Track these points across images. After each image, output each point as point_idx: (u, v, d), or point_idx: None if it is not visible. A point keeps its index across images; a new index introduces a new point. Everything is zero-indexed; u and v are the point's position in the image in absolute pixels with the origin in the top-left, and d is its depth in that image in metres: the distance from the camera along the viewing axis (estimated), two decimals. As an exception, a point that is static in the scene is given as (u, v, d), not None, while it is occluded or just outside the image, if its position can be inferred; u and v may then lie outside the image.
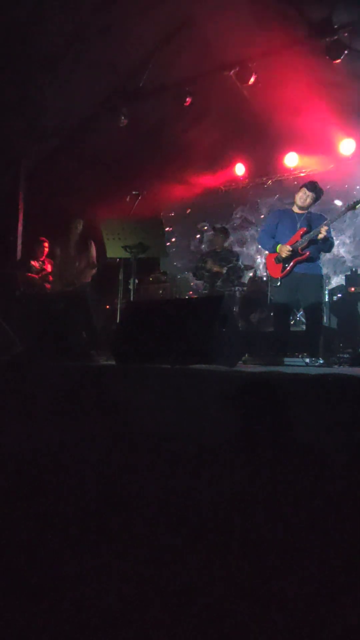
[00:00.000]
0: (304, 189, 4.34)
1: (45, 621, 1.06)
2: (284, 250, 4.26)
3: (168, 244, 8.42)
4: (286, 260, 4.27)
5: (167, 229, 8.02)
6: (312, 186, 4.35)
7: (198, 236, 9.14)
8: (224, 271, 5.98)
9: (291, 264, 4.26)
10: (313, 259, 4.28)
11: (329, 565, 1.22)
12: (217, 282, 6.01)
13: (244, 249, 8.64)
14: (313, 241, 4.20)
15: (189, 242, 9.34)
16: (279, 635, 1.01)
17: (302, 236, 4.24)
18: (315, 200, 4.37)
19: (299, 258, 4.24)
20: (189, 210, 9.11)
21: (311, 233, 4.17)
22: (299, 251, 4.23)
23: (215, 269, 6.00)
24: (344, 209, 4.31)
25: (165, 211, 8.71)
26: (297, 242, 4.25)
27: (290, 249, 4.24)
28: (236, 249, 7.69)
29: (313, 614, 1.06)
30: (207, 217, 8.93)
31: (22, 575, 1.23)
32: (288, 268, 4.27)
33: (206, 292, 6.13)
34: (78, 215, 5.88)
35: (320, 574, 1.19)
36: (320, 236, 4.11)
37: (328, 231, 4.16)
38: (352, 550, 1.28)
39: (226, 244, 6.35)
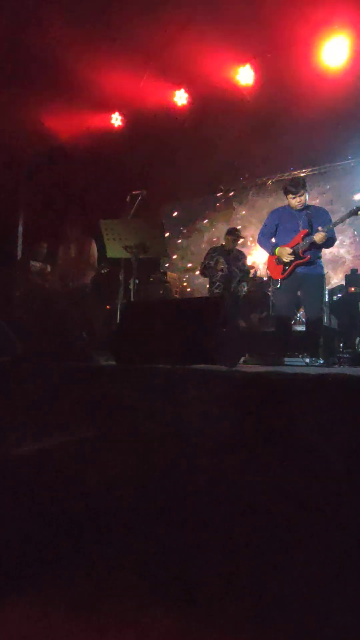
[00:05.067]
0: (290, 195, 4.25)
1: (46, 620, 1.07)
2: (285, 253, 4.23)
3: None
4: (287, 262, 4.26)
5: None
6: (296, 188, 4.21)
7: None
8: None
9: (292, 266, 4.25)
10: (313, 262, 4.26)
11: (329, 565, 1.22)
12: (232, 283, 5.79)
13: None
14: (314, 244, 4.18)
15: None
16: (279, 634, 1.01)
17: (303, 238, 4.21)
18: (305, 185, 4.26)
19: (300, 261, 4.22)
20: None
21: (312, 236, 4.15)
22: (300, 254, 4.21)
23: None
24: (346, 213, 4.26)
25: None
26: (297, 244, 4.22)
27: (291, 251, 4.21)
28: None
29: (314, 613, 1.06)
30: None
31: (23, 574, 1.23)
32: (288, 270, 4.26)
33: (218, 291, 5.73)
34: (76, 217, 5.86)
35: (320, 574, 1.19)
36: (319, 241, 4.08)
37: (331, 230, 4.14)
38: (353, 550, 1.28)
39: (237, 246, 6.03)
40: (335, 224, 4.20)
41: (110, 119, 7.13)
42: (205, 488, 1.63)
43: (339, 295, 6.52)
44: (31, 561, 1.29)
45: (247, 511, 1.47)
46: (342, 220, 4.26)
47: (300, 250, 4.19)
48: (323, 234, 4.04)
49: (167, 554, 1.30)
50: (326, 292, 6.33)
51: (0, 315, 3.93)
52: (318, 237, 4.06)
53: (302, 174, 7.88)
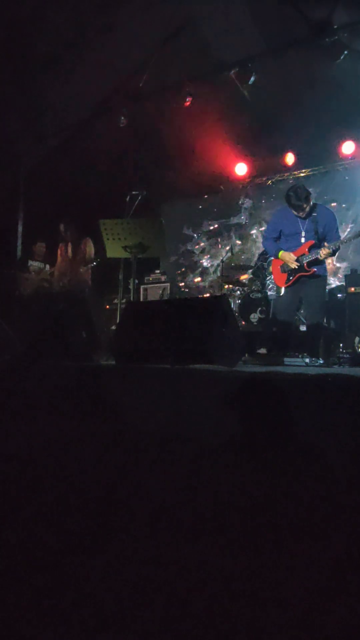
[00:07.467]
0: (293, 210, 4.19)
1: (45, 621, 1.06)
2: (288, 259, 4.19)
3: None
4: (291, 272, 4.23)
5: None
6: (298, 204, 4.12)
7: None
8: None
9: (296, 276, 4.22)
10: (318, 275, 4.25)
11: (329, 565, 1.22)
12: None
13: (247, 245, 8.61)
14: (318, 260, 4.17)
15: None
16: (278, 635, 1.01)
17: (309, 250, 4.17)
18: (309, 198, 4.20)
19: (304, 273, 4.20)
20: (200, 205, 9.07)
21: (318, 250, 4.10)
22: (305, 267, 4.18)
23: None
24: (351, 235, 4.27)
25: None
26: (303, 255, 4.18)
27: (295, 259, 4.18)
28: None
29: (312, 614, 1.06)
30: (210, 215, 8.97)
31: (22, 575, 1.23)
32: (292, 280, 4.25)
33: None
34: (64, 218, 5.82)
35: (320, 574, 1.19)
36: (323, 257, 4.09)
37: (334, 239, 4.12)
38: (353, 550, 1.28)
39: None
40: (342, 242, 4.18)
41: (111, 118, 7.10)
42: (205, 487, 1.63)
43: (339, 295, 6.52)
44: (30, 560, 1.29)
45: (247, 510, 1.47)
46: (348, 240, 4.32)
47: (305, 263, 4.16)
48: (328, 250, 4.03)
49: (165, 554, 1.30)
50: (326, 292, 6.32)
51: (0, 315, 3.93)
52: (323, 252, 4.05)
53: (302, 174, 7.86)
